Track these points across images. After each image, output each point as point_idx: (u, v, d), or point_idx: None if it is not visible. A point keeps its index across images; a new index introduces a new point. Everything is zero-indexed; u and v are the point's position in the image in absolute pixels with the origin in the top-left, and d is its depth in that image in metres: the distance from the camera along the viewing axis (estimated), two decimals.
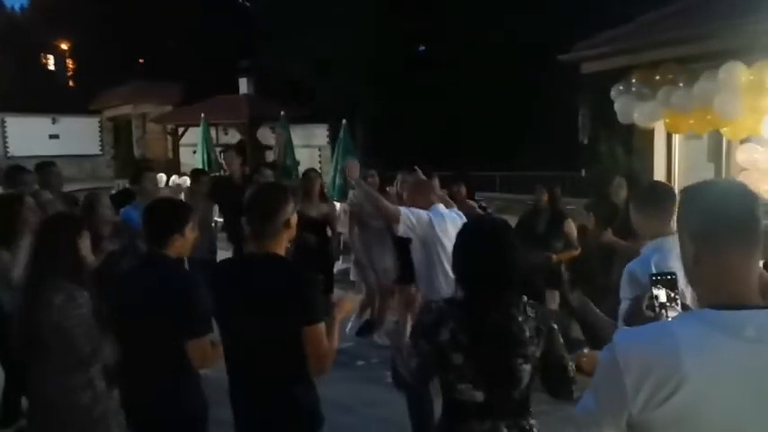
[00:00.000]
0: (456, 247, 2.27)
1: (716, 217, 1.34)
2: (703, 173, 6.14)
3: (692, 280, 1.43)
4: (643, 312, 1.73)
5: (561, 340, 2.19)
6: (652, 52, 5.73)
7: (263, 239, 2.43)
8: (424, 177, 4.18)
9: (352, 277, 6.58)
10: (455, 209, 4.08)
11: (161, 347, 2.56)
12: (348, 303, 2.68)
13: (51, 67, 34.78)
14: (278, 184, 5.34)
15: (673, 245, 2.76)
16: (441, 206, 3.83)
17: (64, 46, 34.14)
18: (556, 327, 2.20)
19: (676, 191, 6.02)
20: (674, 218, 2.76)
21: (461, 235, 2.30)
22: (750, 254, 1.32)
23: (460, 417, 2.13)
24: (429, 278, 3.70)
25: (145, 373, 2.62)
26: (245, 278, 2.43)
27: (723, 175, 5.94)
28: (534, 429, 2.16)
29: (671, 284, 1.73)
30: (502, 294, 2.12)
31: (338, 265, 7.54)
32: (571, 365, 2.21)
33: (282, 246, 2.46)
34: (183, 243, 2.71)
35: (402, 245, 6.46)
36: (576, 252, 5.38)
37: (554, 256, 5.32)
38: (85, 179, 22.90)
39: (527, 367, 2.09)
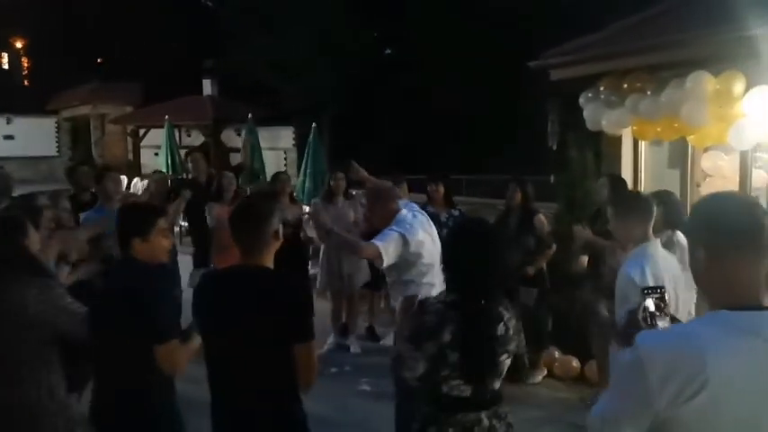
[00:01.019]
0: (449, 248, 2.37)
1: (728, 227, 1.45)
2: (669, 179, 6.26)
3: (702, 283, 1.53)
4: (639, 323, 1.84)
5: (523, 335, 2.39)
6: (620, 60, 5.81)
7: (253, 252, 2.38)
8: (380, 183, 4.19)
9: (318, 285, 6.49)
10: (408, 203, 4.02)
11: (128, 354, 2.52)
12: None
13: (5, 65, 33.71)
14: (264, 194, 5.25)
15: (654, 250, 2.92)
16: (404, 211, 3.75)
17: (18, 44, 33.14)
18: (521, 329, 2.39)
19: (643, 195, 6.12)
20: (652, 225, 2.91)
21: (454, 236, 2.40)
22: (759, 260, 1.44)
23: (448, 409, 2.26)
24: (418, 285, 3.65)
25: (113, 379, 2.59)
26: (235, 292, 2.37)
27: (688, 182, 6.07)
28: (508, 416, 2.34)
29: (661, 297, 1.89)
30: (493, 295, 2.27)
31: (309, 270, 7.46)
32: (526, 357, 2.52)
33: (271, 258, 2.42)
34: (149, 247, 2.67)
35: None
36: (551, 250, 5.42)
37: (529, 269, 5.38)
38: (42, 181, 22.23)
39: (508, 361, 2.29)
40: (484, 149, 17.50)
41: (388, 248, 3.49)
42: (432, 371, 2.23)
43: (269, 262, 2.43)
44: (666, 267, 2.86)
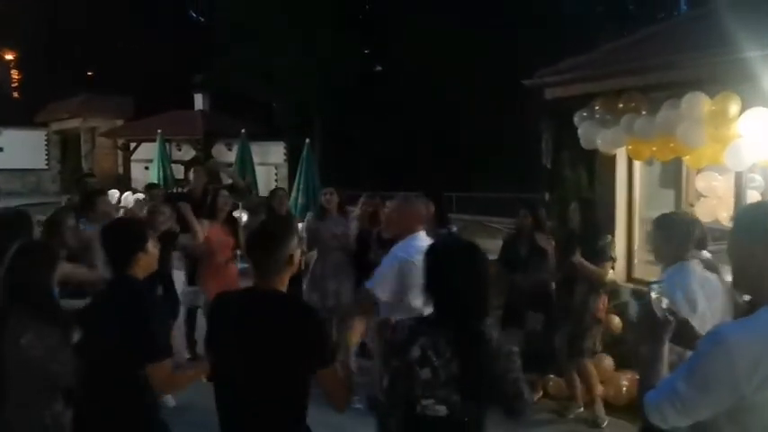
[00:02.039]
0: (427, 265, 2.32)
1: None
2: (663, 198, 6.29)
3: (761, 285, 1.70)
4: (655, 314, 1.94)
5: (519, 364, 2.28)
6: (615, 80, 5.84)
7: (266, 275, 2.35)
8: (411, 198, 3.90)
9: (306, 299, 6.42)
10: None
11: (121, 372, 2.51)
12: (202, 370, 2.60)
13: None
14: (283, 217, 5.17)
15: (692, 269, 2.89)
16: (421, 234, 3.63)
17: (9, 56, 32.98)
18: (516, 350, 2.30)
19: (637, 216, 6.14)
20: (692, 244, 2.91)
21: (432, 254, 2.35)
22: None
23: (421, 430, 2.22)
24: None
25: (104, 397, 2.57)
26: (249, 316, 2.33)
27: (682, 201, 6.09)
28: None
29: (662, 291, 2.02)
30: (471, 312, 2.22)
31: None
32: (528, 389, 2.34)
33: (285, 282, 2.39)
34: (148, 259, 2.71)
35: (363, 267, 6.39)
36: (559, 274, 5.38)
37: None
38: (29, 194, 22.07)
39: (488, 384, 2.20)
40: (471, 166, 17.57)
41: (379, 289, 3.39)
42: (401, 388, 2.20)
43: (282, 286, 2.39)
44: (704, 285, 2.83)
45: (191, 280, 6.33)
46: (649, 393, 1.79)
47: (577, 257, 4.87)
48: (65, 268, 3.35)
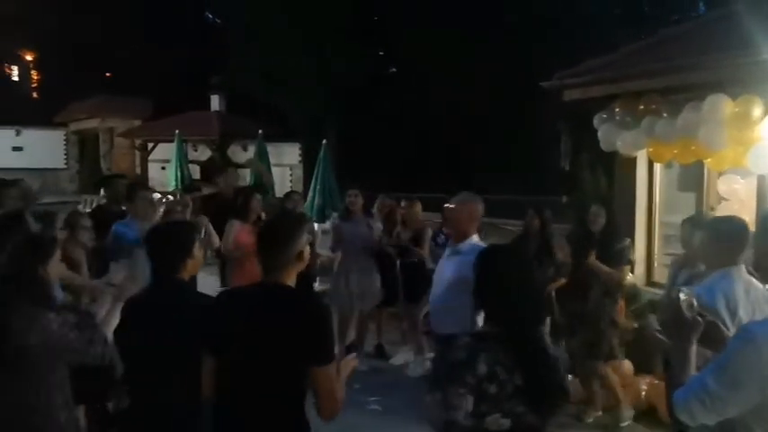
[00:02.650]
0: (481, 273, 2.25)
1: None
2: (683, 202, 6.24)
3: None
4: (683, 315, 1.94)
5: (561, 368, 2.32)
6: (635, 82, 5.82)
7: (274, 270, 2.35)
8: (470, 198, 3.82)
9: (327, 301, 6.45)
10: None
11: (177, 376, 2.49)
12: (352, 362, 2.56)
13: (15, 77, 33.95)
14: (296, 213, 5.16)
15: (737, 275, 2.81)
16: (474, 238, 3.65)
17: (28, 57, 33.39)
18: (560, 355, 2.38)
19: (657, 219, 6.10)
20: (743, 251, 2.82)
21: (486, 262, 2.28)
22: None
23: None
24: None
25: (162, 404, 2.54)
26: (251, 309, 2.33)
27: (704, 205, 6.04)
28: None
29: (690, 292, 2.03)
30: (530, 322, 2.20)
31: (315, 287, 7.44)
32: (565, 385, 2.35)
33: (293, 278, 2.38)
34: (195, 263, 2.74)
35: (387, 267, 6.42)
36: (563, 280, 5.35)
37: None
38: (47, 193, 22.29)
39: (549, 392, 2.20)
40: (485, 168, 17.47)
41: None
42: (478, 402, 2.14)
43: (289, 281, 2.38)
44: (749, 291, 2.75)
45: (223, 279, 6.38)
46: (678, 391, 1.80)
47: (592, 259, 4.84)
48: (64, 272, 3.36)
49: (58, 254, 2.91)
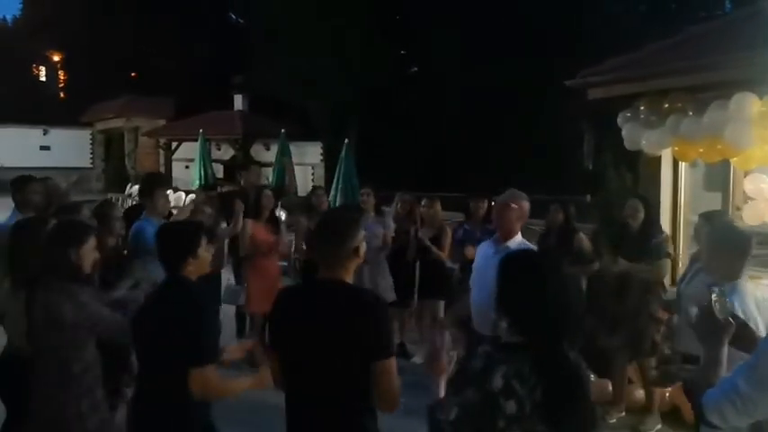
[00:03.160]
0: (505, 279, 2.10)
1: None
2: (709, 201, 6.16)
3: None
4: (715, 316, 1.93)
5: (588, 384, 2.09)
6: (660, 80, 5.76)
7: (331, 266, 2.35)
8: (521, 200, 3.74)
9: None
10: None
11: (170, 372, 2.53)
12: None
13: (43, 78, 34.57)
14: (351, 209, 5.17)
15: (746, 289, 2.72)
16: (519, 237, 3.65)
17: (56, 57, 33.98)
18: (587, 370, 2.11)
19: (682, 218, 6.00)
20: (746, 260, 2.71)
21: (512, 267, 2.13)
22: None
23: None
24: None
25: (155, 399, 2.61)
26: (313, 306, 2.34)
27: (729, 204, 5.96)
28: None
29: (722, 292, 2.01)
30: (558, 334, 1.99)
31: None
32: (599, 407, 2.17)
33: (350, 273, 2.39)
34: (198, 264, 2.72)
35: (399, 267, 6.42)
36: (594, 264, 5.29)
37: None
38: (74, 192, 22.63)
39: (571, 410, 1.98)
40: (507, 167, 17.37)
41: None
42: (477, 423, 1.97)
43: (347, 276, 2.38)
44: (759, 305, 2.67)
45: (237, 278, 6.44)
46: (708, 392, 1.78)
47: (622, 264, 4.76)
48: None
49: (92, 241, 3.00)
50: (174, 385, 2.51)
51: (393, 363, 2.27)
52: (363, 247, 2.43)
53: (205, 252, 2.75)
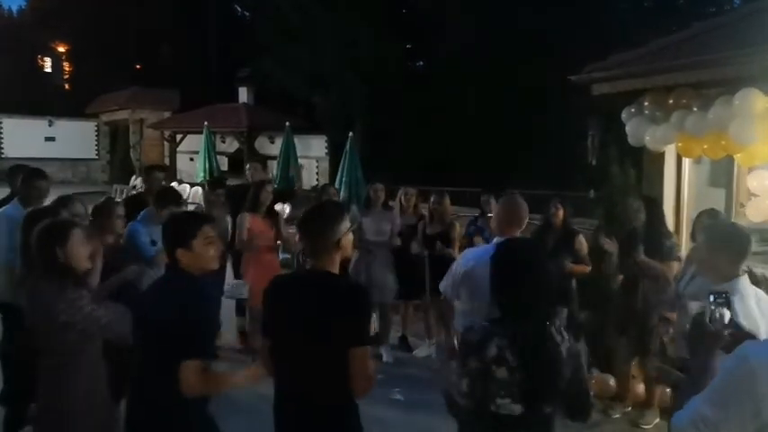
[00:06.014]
0: (491, 268, 2.35)
1: None
2: (713, 198, 6.16)
3: None
4: (707, 327, 1.93)
5: (585, 366, 2.32)
6: (665, 76, 5.75)
7: (316, 256, 2.45)
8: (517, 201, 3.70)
9: None
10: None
11: (162, 366, 2.51)
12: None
13: (48, 69, 34.62)
14: (335, 202, 5.20)
15: (745, 286, 2.69)
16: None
17: (61, 48, 34.03)
18: (581, 350, 2.34)
19: (685, 215, 5.97)
20: (744, 260, 2.69)
21: (495, 256, 2.38)
22: None
23: (496, 428, 2.23)
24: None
25: (148, 388, 2.61)
26: (297, 294, 2.44)
27: (733, 201, 5.96)
28: None
29: (727, 303, 1.98)
30: (533, 313, 2.24)
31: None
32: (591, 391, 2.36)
33: (336, 264, 2.46)
34: (192, 257, 2.58)
35: (404, 261, 6.43)
36: (588, 268, 5.33)
37: (568, 264, 5.26)
38: (79, 183, 22.75)
39: (560, 385, 2.22)
40: (509, 162, 17.35)
41: (449, 288, 3.47)
42: (478, 388, 2.20)
43: (333, 267, 2.46)
44: (759, 304, 2.62)
45: (237, 273, 6.45)
46: (676, 415, 1.70)
47: (642, 257, 4.72)
48: None
49: (78, 236, 2.94)
50: (170, 378, 2.47)
51: (367, 350, 2.37)
52: (348, 239, 2.51)
53: (200, 248, 2.60)
